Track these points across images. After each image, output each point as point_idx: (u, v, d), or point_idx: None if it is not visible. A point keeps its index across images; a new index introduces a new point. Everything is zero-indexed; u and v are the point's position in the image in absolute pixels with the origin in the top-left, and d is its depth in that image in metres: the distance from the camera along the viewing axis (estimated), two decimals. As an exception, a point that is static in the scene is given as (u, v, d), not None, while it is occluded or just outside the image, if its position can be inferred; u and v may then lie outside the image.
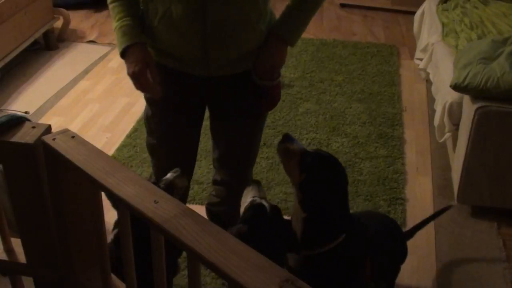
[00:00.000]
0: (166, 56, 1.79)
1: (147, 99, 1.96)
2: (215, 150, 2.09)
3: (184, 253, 1.14)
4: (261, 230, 1.75)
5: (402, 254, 2.18)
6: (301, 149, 1.76)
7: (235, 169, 2.10)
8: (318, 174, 1.75)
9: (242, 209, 1.84)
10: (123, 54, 1.73)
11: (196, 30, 1.69)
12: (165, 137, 2.00)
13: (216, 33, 1.69)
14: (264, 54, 1.75)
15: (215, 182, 2.20)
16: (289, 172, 1.80)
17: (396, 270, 2.21)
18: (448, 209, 2.41)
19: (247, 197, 1.84)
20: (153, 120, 1.99)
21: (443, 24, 3.46)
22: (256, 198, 1.82)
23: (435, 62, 3.30)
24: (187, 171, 2.11)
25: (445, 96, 2.80)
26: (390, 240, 2.15)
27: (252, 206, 1.79)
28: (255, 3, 1.70)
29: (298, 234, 1.81)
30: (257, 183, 1.87)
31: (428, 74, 3.52)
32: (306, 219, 1.77)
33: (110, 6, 1.78)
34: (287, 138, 1.78)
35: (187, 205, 2.18)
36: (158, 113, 1.96)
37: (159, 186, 1.54)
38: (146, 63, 1.70)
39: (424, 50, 3.65)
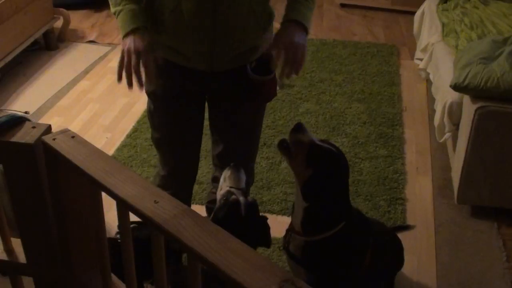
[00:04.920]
0: (170, 50, 1.80)
1: (150, 94, 1.97)
2: (216, 146, 2.11)
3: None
4: (232, 231, 1.73)
5: (399, 262, 2.24)
6: (310, 141, 1.75)
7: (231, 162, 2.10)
8: (324, 170, 1.77)
9: (217, 196, 1.82)
10: (127, 34, 1.64)
11: (205, 27, 1.71)
12: (169, 131, 2.02)
13: (224, 30, 1.72)
14: (281, 35, 1.70)
15: (215, 180, 2.20)
16: (295, 166, 1.79)
17: (393, 274, 2.25)
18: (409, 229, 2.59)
19: (224, 185, 1.83)
20: (156, 114, 2.00)
21: (443, 24, 3.46)
22: (233, 190, 1.79)
23: (435, 62, 3.30)
24: (192, 165, 2.15)
25: (445, 96, 2.80)
26: (390, 244, 2.19)
27: (226, 204, 1.77)
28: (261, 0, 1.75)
29: (298, 221, 1.86)
30: (237, 168, 1.84)
31: (428, 74, 3.52)
32: (307, 208, 1.82)
33: None
34: (299, 128, 1.74)
35: (187, 205, 2.18)
36: (161, 106, 1.97)
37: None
38: (151, 48, 1.65)
39: (424, 50, 3.65)
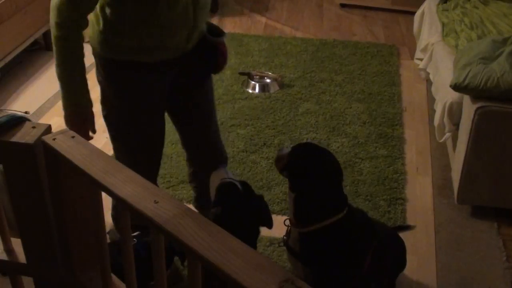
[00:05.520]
0: (142, 51, 1.92)
1: (130, 109, 2.08)
2: (188, 139, 2.27)
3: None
4: (236, 207, 1.92)
5: (401, 264, 2.25)
6: (288, 151, 1.99)
7: (209, 145, 2.26)
8: (299, 157, 1.94)
9: (212, 191, 1.99)
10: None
11: (189, 14, 1.87)
12: (148, 135, 2.12)
13: (202, 9, 1.92)
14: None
15: (194, 175, 2.36)
16: (279, 167, 1.99)
17: (395, 275, 2.25)
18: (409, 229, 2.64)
19: (216, 181, 2.00)
20: (134, 123, 2.09)
21: (443, 24, 3.46)
22: (226, 179, 1.97)
23: (435, 62, 3.30)
24: (159, 161, 2.26)
25: (445, 96, 2.80)
26: (393, 246, 2.19)
27: (223, 185, 1.94)
28: None
29: (291, 213, 1.98)
30: (223, 166, 2.05)
31: (428, 74, 3.52)
32: (295, 198, 1.93)
33: (60, 46, 1.96)
34: (279, 150, 2.03)
35: (187, 205, 2.20)
36: (141, 116, 2.07)
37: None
38: (88, 120, 2.04)
39: (424, 50, 3.65)
